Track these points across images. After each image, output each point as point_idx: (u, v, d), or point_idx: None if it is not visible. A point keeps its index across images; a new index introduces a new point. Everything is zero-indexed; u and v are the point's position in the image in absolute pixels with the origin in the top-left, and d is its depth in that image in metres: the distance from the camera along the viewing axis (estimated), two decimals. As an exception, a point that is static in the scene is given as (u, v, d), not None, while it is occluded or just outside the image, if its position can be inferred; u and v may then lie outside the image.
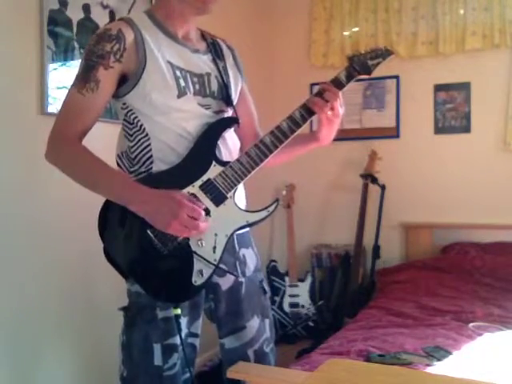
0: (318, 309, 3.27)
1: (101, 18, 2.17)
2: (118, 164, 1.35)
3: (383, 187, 3.13)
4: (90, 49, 1.25)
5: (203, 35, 1.43)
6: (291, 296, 3.30)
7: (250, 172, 1.27)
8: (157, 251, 1.21)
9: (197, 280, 1.23)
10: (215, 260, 1.24)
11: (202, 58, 1.36)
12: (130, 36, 1.24)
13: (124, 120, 1.32)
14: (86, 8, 2.10)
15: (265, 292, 1.48)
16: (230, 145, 1.36)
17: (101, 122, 2.25)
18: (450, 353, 1.70)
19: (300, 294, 3.30)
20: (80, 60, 1.30)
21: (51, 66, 1.95)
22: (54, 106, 1.95)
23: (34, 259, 1.90)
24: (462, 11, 3.13)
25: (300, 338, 3.21)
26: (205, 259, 1.23)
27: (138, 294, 1.28)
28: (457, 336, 1.90)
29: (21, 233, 1.86)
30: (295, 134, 1.31)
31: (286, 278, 3.33)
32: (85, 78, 1.24)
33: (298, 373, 1.45)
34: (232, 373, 1.30)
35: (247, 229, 1.38)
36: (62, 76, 2.00)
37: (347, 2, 3.40)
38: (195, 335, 1.37)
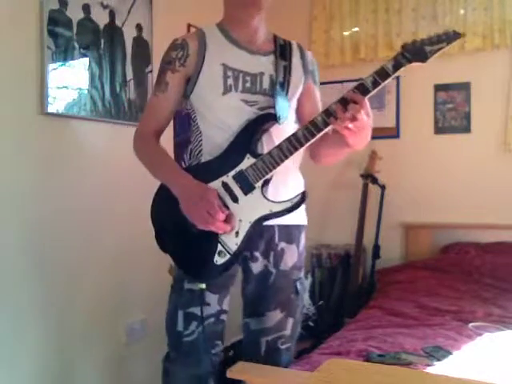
0: (317, 309, 3.26)
1: (101, 18, 2.17)
2: (183, 159, 1.58)
3: (383, 187, 3.13)
4: (163, 58, 1.49)
5: (275, 38, 1.52)
6: (291, 296, 3.29)
7: (278, 164, 1.34)
8: (189, 231, 1.35)
9: (218, 260, 1.35)
10: (236, 244, 1.35)
11: (260, 59, 1.46)
12: (193, 44, 1.44)
13: (190, 118, 1.49)
14: (86, 8, 2.10)
15: (297, 292, 1.52)
16: (275, 140, 1.41)
17: (101, 122, 2.27)
18: (450, 353, 1.70)
19: (300, 294, 3.29)
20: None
21: (51, 66, 1.95)
22: (54, 105, 1.95)
23: (33, 259, 1.90)
24: (462, 11, 3.12)
25: (300, 338, 3.20)
26: (223, 246, 1.35)
27: (175, 267, 1.47)
28: (457, 336, 1.90)
29: (20, 232, 1.86)
30: (327, 128, 1.32)
31: (286, 278, 3.32)
32: (158, 82, 1.47)
33: (298, 373, 1.45)
34: (232, 373, 1.30)
35: (286, 223, 1.46)
36: (62, 76, 1.99)
37: (347, 2, 3.39)
38: (225, 312, 1.51)
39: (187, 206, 1.33)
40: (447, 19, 3.15)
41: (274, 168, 1.34)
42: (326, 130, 1.32)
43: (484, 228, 3.09)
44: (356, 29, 3.38)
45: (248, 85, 1.42)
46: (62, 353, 2.03)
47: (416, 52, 1.25)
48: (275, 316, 1.48)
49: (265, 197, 1.35)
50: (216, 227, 1.30)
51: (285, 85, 1.46)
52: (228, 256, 1.35)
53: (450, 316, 2.19)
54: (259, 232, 1.41)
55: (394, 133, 3.36)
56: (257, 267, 1.48)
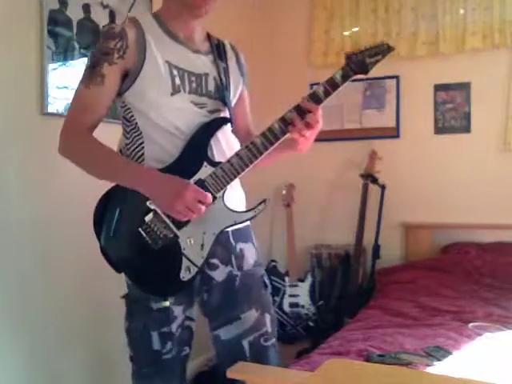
0: (317, 309, 3.26)
1: (101, 17, 2.17)
2: None
3: (383, 187, 3.13)
4: (97, 47, 1.31)
5: (209, 37, 1.45)
6: (291, 296, 3.29)
7: (239, 173, 1.30)
8: (148, 248, 1.28)
9: (185, 276, 1.30)
10: (202, 257, 1.30)
11: (202, 59, 1.38)
12: (132, 35, 1.29)
13: (123, 117, 1.37)
14: (86, 8, 2.10)
15: (265, 286, 1.48)
16: (224, 144, 1.38)
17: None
18: (450, 353, 1.70)
19: (300, 294, 3.30)
20: (83, 59, 1.33)
21: (51, 66, 1.95)
22: (54, 106, 1.95)
23: (33, 258, 1.90)
24: (462, 11, 3.13)
25: (300, 338, 3.21)
26: (190, 260, 1.29)
27: (133, 286, 1.37)
28: (457, 336, 1.90)
29: (19, 232, 1.86)
30: (285, 136, 1.31)
31: (286, 278, 3.32)
32: (91, 74, 1.29)
33: (298, 373, 1.44)
34: (232, 373, 1.30)
35: (239, 226, 1.40)
36: (62, 76, 1.99)
37: (347, 2, 3.40)
38: (191, 319, 1.46)
39: (169, 198, 1.20)
40: (447, 19, 3.15)
41: (235, 177, 1.30)
42: (284, 138, 1.31)
43: (484, 228, 3.09)
44: (356, 29, 3.38)
45: (194, 85, 1.35)
46: (57, 355, 2.02)
47: (360, 64, 1.30)
48: (252, 315, 1.42)
49: (227, 207, 1.31)
50: (200, 212, 1.22)
51: (227, 87, 1.41)
52: (196, 270, 1.30)
53: (450, 316, 2.19)
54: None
55: (394, 133, 3.36)
56: (219, 275, 1.40)
